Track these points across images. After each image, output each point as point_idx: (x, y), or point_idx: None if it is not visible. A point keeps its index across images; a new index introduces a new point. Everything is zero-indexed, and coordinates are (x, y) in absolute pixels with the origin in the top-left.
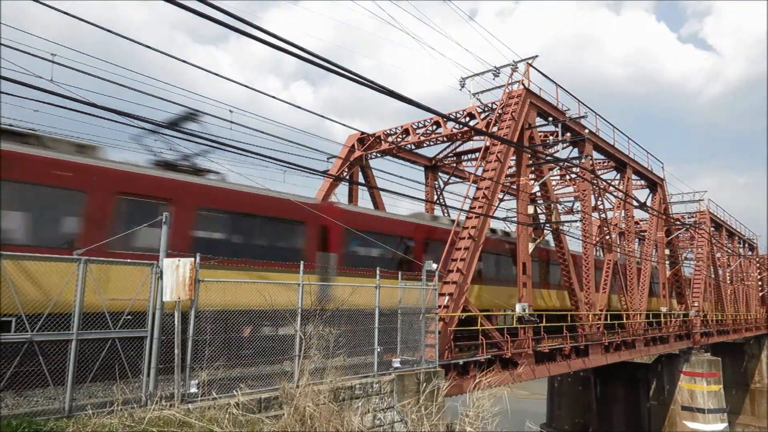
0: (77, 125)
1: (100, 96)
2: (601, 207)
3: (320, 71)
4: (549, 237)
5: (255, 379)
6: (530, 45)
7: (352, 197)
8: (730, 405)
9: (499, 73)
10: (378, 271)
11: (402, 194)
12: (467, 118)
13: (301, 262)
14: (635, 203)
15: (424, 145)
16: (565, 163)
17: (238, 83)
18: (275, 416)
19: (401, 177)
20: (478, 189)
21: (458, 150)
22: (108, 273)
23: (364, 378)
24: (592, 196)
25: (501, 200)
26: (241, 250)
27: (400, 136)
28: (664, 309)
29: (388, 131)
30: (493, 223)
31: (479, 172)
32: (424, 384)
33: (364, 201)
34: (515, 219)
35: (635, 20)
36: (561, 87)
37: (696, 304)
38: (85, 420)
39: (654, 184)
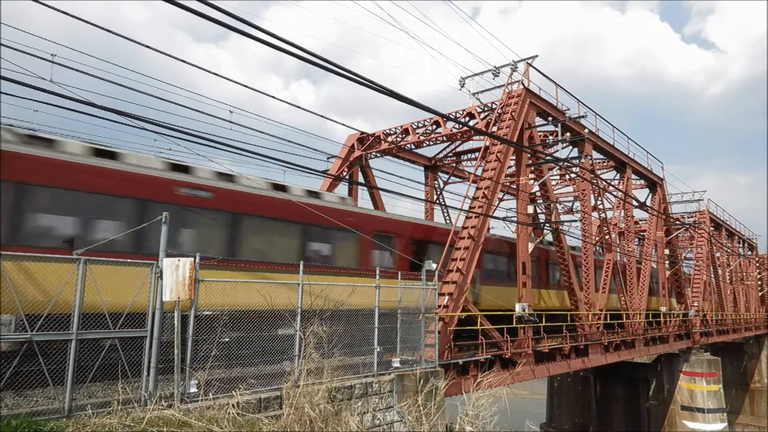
0: (77, 125)
1: (100, 96)
2: (600, 207)
3: (321, 70)
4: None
5: (255, 378)
6: (533, 44)
7: (352, 197)
8: (729, 405)
9: (498, 72)
10: (378, 271)
11: (402, 194)
12: (467, 118)
13: (301, 261)
14: (635, 203)
15: (424, 144)
16: (565, 163)
17: (238, 83)
18: (274, 416)
19: (401, 177)
20: (477, 189)
21: (458, 150)
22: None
23: (363, 378)
24: (592, 196)
25: (501, 200)
26: None
27: (400, 136)
28: (663, 309)
29: (388, 131)
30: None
31: (479, 172)
32: (423, 383)
33: (364, 201)
34: (515, 219)
35: (639, 20)
36: (561, 87)
37: (696, 304)
38: (85, 420)
39: (654, 183)
